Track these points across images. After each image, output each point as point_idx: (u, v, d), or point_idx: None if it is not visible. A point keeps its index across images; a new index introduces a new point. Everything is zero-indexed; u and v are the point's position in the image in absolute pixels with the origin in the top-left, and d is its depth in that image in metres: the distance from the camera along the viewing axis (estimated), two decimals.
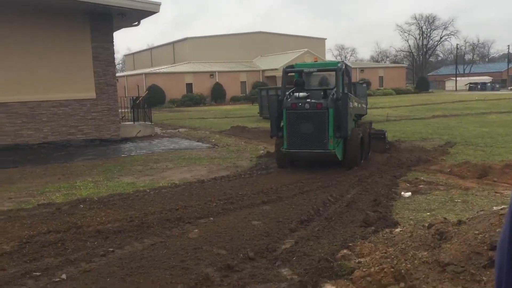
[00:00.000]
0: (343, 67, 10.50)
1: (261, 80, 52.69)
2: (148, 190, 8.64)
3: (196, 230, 6.12)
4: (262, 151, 13.67)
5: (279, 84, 48.46)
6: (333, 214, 6.72)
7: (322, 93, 10.34)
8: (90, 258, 5.18)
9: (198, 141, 16.95)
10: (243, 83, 52.68)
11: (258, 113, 27.22)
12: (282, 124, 10.46)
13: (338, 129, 10.01)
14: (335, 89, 10.30)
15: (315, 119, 9.92)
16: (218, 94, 49.64)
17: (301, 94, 10.34)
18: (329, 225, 6.17)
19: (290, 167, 10.66)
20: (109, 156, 13.81)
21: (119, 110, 18.13)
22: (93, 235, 5.96)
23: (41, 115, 16.03)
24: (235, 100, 50.34)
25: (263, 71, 53.81)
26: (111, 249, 5.44)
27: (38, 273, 4.77)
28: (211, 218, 6.69)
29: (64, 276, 4.69)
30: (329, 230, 5.98)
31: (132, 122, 19.58)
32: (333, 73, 10.94)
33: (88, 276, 4.70)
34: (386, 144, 12.81)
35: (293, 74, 11.37)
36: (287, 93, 10.58)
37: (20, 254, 5.36)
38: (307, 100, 10.09)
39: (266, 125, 21.88)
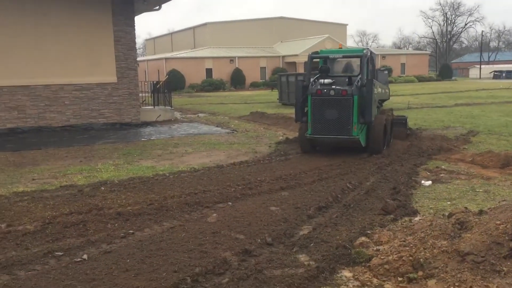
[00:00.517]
0: (369, 54, 10.57)
1: (281, 66, 52.40)
2: (167, 174, 8.72)
3: (215, 215, 6.16)
4: (281, 137, 13.64)
5: (299, 70, 48.61)
6: (352, 201, 6.69)
7: (346, 79, 10.41)
8: (110, 240, 5.27)
9: (217, 126, 16.98)
10: (263, 69, 52.47)
11: (277, 99, 27.10)
12: (306, 109, 10.57)
13: (362, 115, 10.11)
14: (359, 76, 10.37)
15: (340, 105, 10.01)
16: (237, 80, 49.58)
17: (326, 80, 10.43)
18: (347, 212, 6.15)
19: (312, 152, 10.70)
20: (130, 139, 13.95)
21: (140, 95, 18.27)
22: (114, 217, 6.05)
23: (63, 98, 16.26)
24: (254, 85, 50.21)
25: (283, 57, 53.47)
26: (131, 231, 5.52)
27: (60, 253, 4.87)
28: (230, 203, 6.72)
29: (85, 256, 4.79)
30: (347, 217, 5.96)
31: (152, 107, 19.72)
32: (358, 59, 11.03)
33: (109, 257, 4.78)
34: (407, 130, 12.76)
35: (317, 60, 11.41)
36: (312, 79, 10.66)
37: (43, 234, 5.48)
38: (332, 86, 10.18)
39: (285, 111, 21.80)
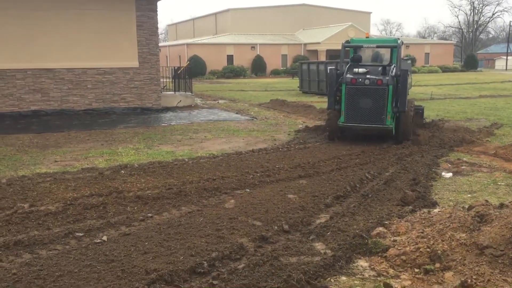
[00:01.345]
0: (402, 44, 10.72)
1: (302, 54, 52.04)
2: (186, 160, 8.79)
3: (232, 201, 6.21)
4: (301, 126, 13.61)
5: (321, 58, 48.14)
6: (370, 191, 6.66)
7: (379, 69, 10.61)
8: (129, 222, 5.35)
9: (237, 113, 17.02)
10: (284, 56, 52.20)
11: (298, 87, 26.99)
12: (338, 98, 10.74)
13: (396, 105, 10.34)
14: (393, 66, 10.64)
15: (375, 95, 10.23)
16: (258, 67, 49.46)
17: (361, 69, 10.60)
18: (365, 202, 6.13)
19: (334, 141, 10.83)
20: (150, 124, 14.07)
21: (161, 80, 18.37)
22: (133, 200, 6.13)
23: (86, 82, 16.46)
24: (275, 73, 50.03)
25: (305, 44, 53.05)
26: (150, 215, 5.59)
27: (80, 234, 4.98)
28: (248, 190, 6.76)
29: (105, 238, 4.87)
30: (365, 207, 5.94)
31: (173, 92, 19.83)
32: (388, 49, 11.29)
33: (128, 239, 4.86)
34: (423, 119, 12.94)
35: (348, 49, 11.60)
36: (345, 67, 10.84)
37: (64, 215, 5.59)
38: (367, 76, 10.36)
39: (306, 99, 21.72)
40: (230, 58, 49.49)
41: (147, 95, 17.31)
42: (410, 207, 5.77)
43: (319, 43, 50.98)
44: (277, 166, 8.22)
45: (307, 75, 25.62)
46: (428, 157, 9.09)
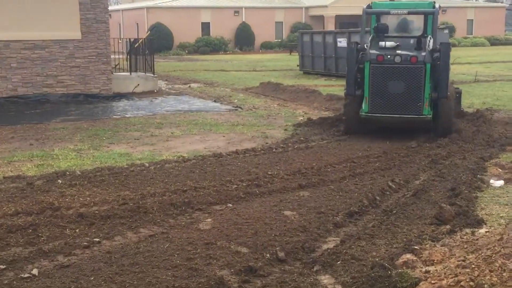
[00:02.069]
0: (439, 9, 10.99)
1: (303, 21, 52.14)
2: (147, 165, 8.76)
3: (209, 220, 6.19)
4: (301, 118, 13.63)
5: (328, 27, 48.12)
6: (394, 205, 6.69)
7: (412, 42, 10.81)
8: (69, 250, 5.32)
9: (215, 102, 17.01)
10: (278, 25, 52.24)
11: (297, 65, 27.00)
12: (359, 80, 10.89)
13: (436, 88, 10.56)
14: (429, 37, 10.84)
15: (409, 76, 10.46)
16: (244, 39, 49.43)
17: (389, 43, 10.77)
18: (388, 221, 6.16)
19: (350, 137, 10.98)
20: (97, 117, 14.00)
21: (112, 57, 18.28)
22: (74, 220, 6.09)
23: (9, 60, 16.30)
24: (267, 47, 50.04)
25: (307, 8, 53.20)
26: (96, 240, 5.56)
27: (2, 266, 4.93)
28: (230, 205, 6.75)
29: (35, 271, 4.84)
30: (387, 227, 5.97)
31: (128, 73, 19.75)
32: (421, 16, 11.54)
33: (66, 272, 4.83)
34: (461, 108, 13.13)
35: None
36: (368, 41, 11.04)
37: None
38: (397, 51, 10.53)
39: (308, 82, 21.77)
40: (206, 27, 49.41)
41: (92, 77, 17.21)
42: (448, 226, 5.80)
43: (325, 6, 51.12)
44: (269, 173, 8.22)
45: (309, 50, 25.64)
46: (471, 159, 9.15)
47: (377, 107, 10.62)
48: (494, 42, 55.33)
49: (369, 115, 10.70)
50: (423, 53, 10.42)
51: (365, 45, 10.94)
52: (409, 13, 11.42)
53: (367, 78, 10.62)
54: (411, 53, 10.46)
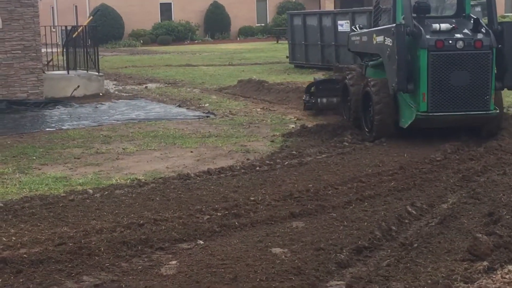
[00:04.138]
0: None
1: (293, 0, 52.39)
2: (91, 191, 8.69)
3: (174, 262, 6.16)
4: (293, 125, 13.65)
5: (326, 6, 48.22)
6: (416, 237, 6.68)
7: (467, 22, 11.47)
8: None
9: (180, 106, 17.01)
10: (261, 4, 52.50)
11: (287, 57, 27.09)
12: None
13: (501, 78, 11.35)
14: (487, 19, 11.65)
15: (474, 64, 11.03)
16: (216, 24, 49.55)
17: (443, 25, 11.18)
18: (407, 257, 6.14)
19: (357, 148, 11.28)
20: (25, 130, 13.91)
21: (43, 51, 18.20)
22: None
23: None
24: (246, 33, 50.23)
25: None
26: None
27: None
28: (201, 242, 6.71)
29: None
30: (407, 265, 5.96)
31: (65, 72, 19.67)
32: None
33: None
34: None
35: None
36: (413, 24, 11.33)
37: None
38: (456, 35, 11.04)
39: (301, 78, 21.71)
40: (166, 9, 49.53)
41: (17, 78, 17.11)
42: (485, 263, 5.80)
43: None
44: (252, 199, 8.19)
45: (302, 37, 25.71)
46: None
47: (440, 104, 11.07)
48: None
49: (430, 114, 11.02)
50: (488, 37, 10.91)
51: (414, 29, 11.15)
52: None
53: (425, 69, 10.99)
54: (474, 37, 10.97)
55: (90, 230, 7.06)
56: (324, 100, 14.93)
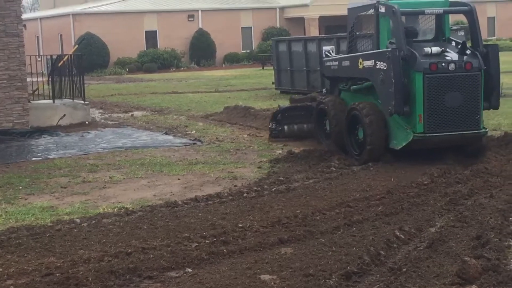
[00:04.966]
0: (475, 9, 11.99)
1: (278, 26, 52.70)
2: (78, 221, 8.68)
3: None
4: (280, 151, 13.68)
5: (310, 32, 48.41)
6: (404, 262, 6.70)
7: (453, 44, 11.92)
8: None
9: (166, 134, 17.01)
10: (246, 31, 52.65)
11: (273, 83, 27.14)
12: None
13: (489, 98, 11.78)
14: (478, 41, 11.79)
15: (465, 85, 11.42)
16: (202, 51, 49.63)
17: (434, 48, 11.52)
18: (396, 282, 6.16)
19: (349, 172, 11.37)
20: (10, 160, 13.89)
21: (28, 80, 18.19)
22: None
23: None
24: (232, 60, 50.32)
25: (282, 9, 53.82)
26: None
27: None
28: (189, 270, 6.71)
29: None
30: None
31: (51, 101, 19.64)
32: (430, 17, 12.62)
33: None
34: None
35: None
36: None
37: None
38: (446, 58, 11.47)
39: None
40: (151, 37, 49.57)
41: (3, 107, 17.09)
42: (474, 286, 5.82)
43: (306, 5, 51.70)
44: (240, 225, 8.20)
45: (287, 63, 25.78)
46: (500, 197, 9.22)
47: (435, 125, 11.37)
48: None
49: (426, 135, 11.29)
50: (476, 59, 11.28)
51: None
52: (444, 13, 12.24)
53: (421, 91, 11.25)
54: (464, 59, 11.32)
55: (78, 260, 7.05)
56: (295, 127, 15.11)
